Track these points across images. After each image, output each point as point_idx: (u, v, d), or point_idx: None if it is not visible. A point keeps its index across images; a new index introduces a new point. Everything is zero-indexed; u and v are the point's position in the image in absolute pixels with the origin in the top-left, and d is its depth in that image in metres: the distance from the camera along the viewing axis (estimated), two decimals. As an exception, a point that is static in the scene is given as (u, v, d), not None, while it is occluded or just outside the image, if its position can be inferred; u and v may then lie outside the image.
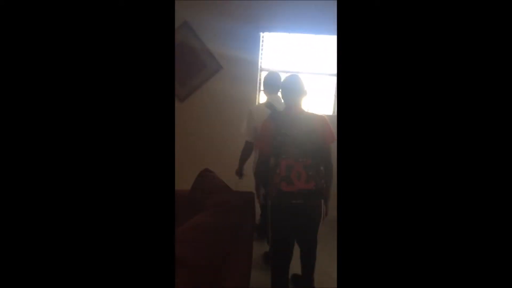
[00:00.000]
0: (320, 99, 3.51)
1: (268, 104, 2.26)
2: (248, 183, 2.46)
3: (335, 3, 0.86)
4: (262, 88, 2.47)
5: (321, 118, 1.81)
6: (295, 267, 2.06)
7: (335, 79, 3.48)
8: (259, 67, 3.51)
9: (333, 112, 3.47)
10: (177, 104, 3.62)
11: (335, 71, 3.40)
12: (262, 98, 3.45)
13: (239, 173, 2.47)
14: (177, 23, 3.50)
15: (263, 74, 3.45)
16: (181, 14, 3.46)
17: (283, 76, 2.14)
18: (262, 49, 3.51)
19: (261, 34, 3.47)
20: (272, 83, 2.40)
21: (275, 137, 1.74)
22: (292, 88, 1.84)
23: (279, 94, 2.31)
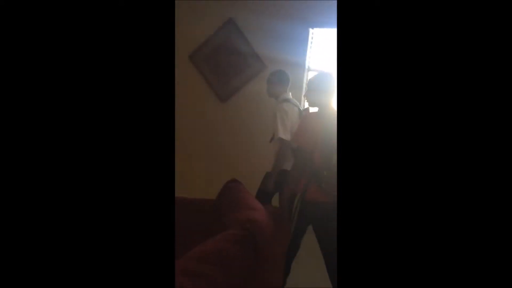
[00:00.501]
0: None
1: (293, 101, 2.35)
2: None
3: None
4: (272, 86, 2.53)
5: None
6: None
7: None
8: (306, 67, 3.23)
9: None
10: (218, 104, 3.48)
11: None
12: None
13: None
14: (222, 20, 3.36)
15: (310, 74, 3.18)
16: (226, 11, 3.32)
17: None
18: (311, 47, 3.23)
19: (310, 30, 3.20)
20: (282, 82, 2.45)
21: (318, 134, 1.76)
22: (324, 87, 1.86)
23: (289, 91, 2.51)
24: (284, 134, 2.20)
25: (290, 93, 2.54)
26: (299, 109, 2.41)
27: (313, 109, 2.13)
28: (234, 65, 3.37)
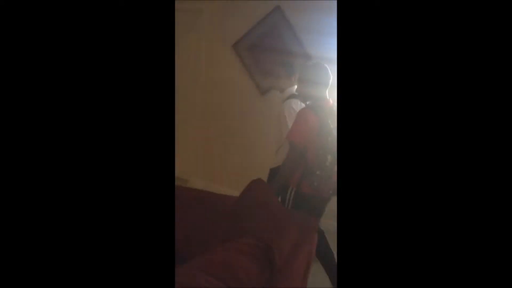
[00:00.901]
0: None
1: (299, 97, 2.26)
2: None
3: None
4: (277, 79, 2.45)
5: None
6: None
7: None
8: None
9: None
10: (257, 97, 3.36)
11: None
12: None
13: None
14: (269, 7, 3.22)
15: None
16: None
17: None
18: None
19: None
20: (288, 75, 2.35)
21: (316, 130, 1.70)
22: (317, 79, 1.80)
23: (295, 85, 2.35)
24: None
25: (296, 87, 2.38)
26: (305, 105, 2.28)
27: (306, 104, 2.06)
28: (277, 56, 3.22)
